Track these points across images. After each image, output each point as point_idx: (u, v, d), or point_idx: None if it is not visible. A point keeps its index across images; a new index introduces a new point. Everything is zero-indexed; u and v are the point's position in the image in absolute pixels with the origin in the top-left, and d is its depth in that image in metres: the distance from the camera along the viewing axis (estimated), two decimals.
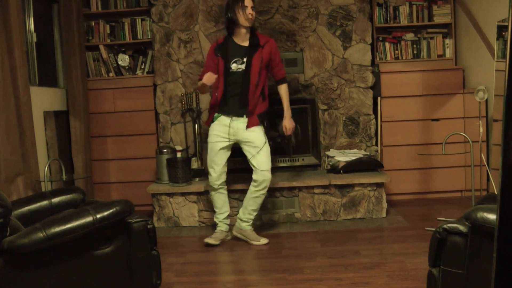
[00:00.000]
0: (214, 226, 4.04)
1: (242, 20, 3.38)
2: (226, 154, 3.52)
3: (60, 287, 2.09)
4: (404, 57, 4.81)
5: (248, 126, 3.41)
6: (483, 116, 4.37)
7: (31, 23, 4.21)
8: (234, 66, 3.42)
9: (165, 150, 4.30)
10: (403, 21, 4.78)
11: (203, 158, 4.45)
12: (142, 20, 4.81)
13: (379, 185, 4.03)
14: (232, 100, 3.44)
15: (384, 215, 4.03)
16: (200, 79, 3.45)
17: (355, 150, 4.41)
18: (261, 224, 3.98)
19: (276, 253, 3.32)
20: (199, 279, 2.88)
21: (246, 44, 3.45)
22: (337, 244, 3.41)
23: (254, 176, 3.44)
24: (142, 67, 4.87)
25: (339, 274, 2.83)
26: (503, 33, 3.78)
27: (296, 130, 4.66)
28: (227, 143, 3.48)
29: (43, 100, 4.17)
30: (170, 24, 4.51)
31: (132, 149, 4.69)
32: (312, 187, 4.03)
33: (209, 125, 3.54)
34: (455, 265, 1.96)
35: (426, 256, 2.12)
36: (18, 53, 3.46)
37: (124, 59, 4.83)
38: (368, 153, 4.34)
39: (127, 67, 4.86)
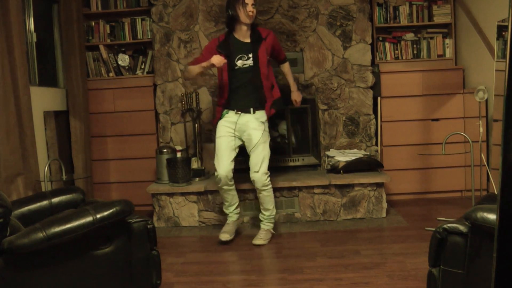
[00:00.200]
0: (214, 226, 4.05)
1: (243, 17, 3.38)
2: (233, 151, 3.49)
3: (60, 287, 2.09)
4: (404, 57, 4.81)
5: (269, 114, 3.54)
6: (483, 116, 4.37)
7: (31, 23, 4.21)
8: (239, 63, 3.44)
9: (165, 150, 4.30)
10: (403, 21, 4.78)
11: (203, 158, 4.45)
12: (142, 20, 4.81)
13: (379, 185, 4.03)
14: (241, 96, 3.45)
15: (384, 215, 4.03)
16: (192, 64, 3.46)
17: (355, 150, 4.41)
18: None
19: (276, 253, 3.32)
20: (199, 279, 2.88)
21: (248, 40, 3.48)
22: (337, 244, 3.41)
23: (251, 175, 3.48)
24: (142, 67, 4.87)
25: (339, 274, 2.83)
26: (503, 33, 3.78)
27: (296, 130, 4.67)
28: (234, 140, 3.49)
29: (43, 100, 4.17)
30: (170, 24, 4.51)
31: (132, 149, 4.69)
32: (312, 187, 4.03)
33: (216, 123, 3.54)
34: (455, 265, 1.96)
35: (426, 256, 2.12)
36: (18, 53, 3.46)
37: (124, 59, 4.83)
38: (368, 153, 4.34)
39: (127, 67, 4.86)
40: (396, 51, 4.81)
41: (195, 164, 4.32)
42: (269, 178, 3.49)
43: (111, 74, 4.84)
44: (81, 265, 2.13)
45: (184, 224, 4.09)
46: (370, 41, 4.47)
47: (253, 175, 3.44)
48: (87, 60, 4.80)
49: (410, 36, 4.80)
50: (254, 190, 3.92)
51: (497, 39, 3.85)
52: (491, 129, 4.36)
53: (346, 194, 4.04)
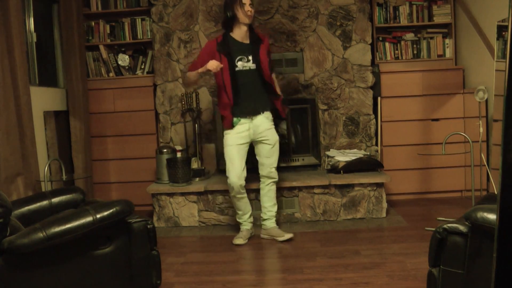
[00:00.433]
0: (214, 226, 4.04)
1: (241, 17, 3.37)
2: (244, 158, 3.50)
3: (60, 287, 2.09)
4: (404, 57, 4.81)
5: (281, 115, 3.61)
6: (483, 116, 4.37)
7: (31, 23, 4.21)
8: (240, 64, 3.41)
9: (165, 150, 4.30)
10: (403, 21, 4.78)
11: (203, 158, 4.46)
12: (142, 20, 4.81)
13: (379, 185, 4.03)
14: (248, 100, 3.43)
15: (384, 215, 4.03)
16: (190, 70, 3.46)
17: (355, 150, 4.41)
18: (261, 224, 3.97)
19: (276, 253, 3.32)
20: (199, 279, 2.88)
21: (246, 41, 3.45)
22: (337, 244, 3.41)
23: (261, 172, 3.55)
24: (142, 67, 4.87)
25: (339, 274, 2.83)
26: (503, 33, 3.78)
27: (296, 130, 4.67)
28: (246, 147, 3.50)
29: (43, 100, 4.17)
30: (170, 24, 4.51)
31: (132, 149, 4.69)
32: (312, 187, 4.03)
33: (228, 128, 3.45)
34: (455, 265, 1.96)
35: (426, 256, 2.12)
36: (18, 53, 3.46)
37: (124, 59, 4.83)
38: (368, 153, 4.34)
39: (127, 67, 4.86)
40: (396, 51, 4.81)
41: (195, 164, 4.32)
42: None
43: (111, 74, 4.84)
44: (81, 265, 2.13)
45: (184, 224, 4.09)
46: (370, 41, 4.47)
47: (271, 171, 3.55)
48: (87, 60, 4.80)
49: (410, 36, 4.80)
50: (254, 190, 3.92)
51: (497, 39, 3.85)
52: (491, 129, 4.36)
53: (346, 194, 4.04)
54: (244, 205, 3.59)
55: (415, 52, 4.82)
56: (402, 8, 4.77)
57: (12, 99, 3.39)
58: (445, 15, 4.76)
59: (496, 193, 2.27)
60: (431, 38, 4.81)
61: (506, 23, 3.63)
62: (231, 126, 3.43)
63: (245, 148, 3.49)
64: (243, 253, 3.37)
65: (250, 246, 3.50)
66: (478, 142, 4.15)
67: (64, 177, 3.76)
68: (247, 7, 3.36)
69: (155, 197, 4.10)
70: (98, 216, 2.09)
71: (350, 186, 4.03)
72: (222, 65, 3.30)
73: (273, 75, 3.70)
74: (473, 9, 4.52)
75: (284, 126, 4.60)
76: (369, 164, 4.19)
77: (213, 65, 3.27)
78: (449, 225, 1.97)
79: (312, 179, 4.06)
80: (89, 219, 2.07)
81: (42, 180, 3.65)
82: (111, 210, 2.14)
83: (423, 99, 4.60)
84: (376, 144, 4.59)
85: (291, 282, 2.76)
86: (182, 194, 4.07)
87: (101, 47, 4.80)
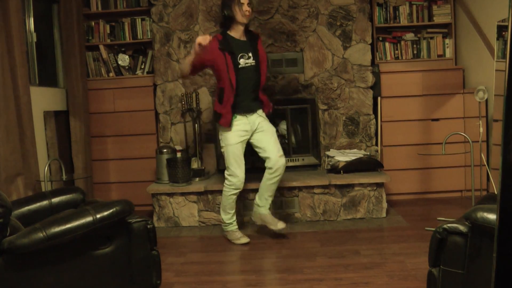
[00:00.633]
0: (214, 226, 4.04)
1: (239, 17, 3.37)
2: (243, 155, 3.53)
3: (60, 287, 2.09)
4: (404, 57, 4.81)
5: (265, 113, 3.58)
6: (483, 116, 4.37)
7: (31, 23, 4.21)
8: (242, 62, 3.41)
9: (165, 150, 4.30)
10: (403, 21, 4.78)
11: (203, 158, 4.46)
12: (142, 20, 4.81)
13: (379, 185, 4.03)
14: (246, 98, 3.45)
15: (384, 215, 4.03)
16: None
17: (355, 150, 4.41)
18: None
19: (276, 253, 3.32)
20: (199, 279, 2.88)
21: (244, 38, 3.48)
22: (337, 244, 3.41)
23: (269, 164, 3.48)
24: (142, 67, 4.87)
25: (339, 274, 2.83)
26: (503, 33, 3.78)
27: (296, 130, 4.67)
28: (245, 142, 3.52)
29: (43, 100, 4.17)
30: (170, 24, 4.51)
31: (132, 149, 4.69)
32: (312, 187, 4.03)
33: (227, 126, 3.43)
34: (455, 265, 1.96)
35: (426, 256, 2.12)
36: (18, 53, 3.46)
37: (124, 59, 4.83)
38: (368, 153, 4.34)
39: (127, 67, 4.86)
40: (396, 51, 4.81)
41: (195, 164, 4.32)
42: None
43: (111, 74, 4.84)
44: (81, 265, 2.13)
45: (184, 224, 4.09)
46: (370, 41, 4.47)
47: (278, 160, 3.45)
48: (87, 60, 4.80)
49: (410, 36, 4.80)
50: (254, 190, 3.91)
51: (497, 39, 3.85)
52: (491, 129, 4.36)
53: (346, 194, 4.04)
54: (234, 204, 3.60)
55: (415, 52, 4.82)
56: (402, 8, 4.77)
57: (12, 99, 3.39)
58: (445, 15, 4.76)
59: (496, 193, 2.27)
60: (431, 38, 4.81)
61: (506, 23, 3.63)
62: (230, 124, 3.42)
63: (244, 145, 3.51)
64: (243, 253, 3.37)
65: (250, 246, 3.50)
66: (478, 142, 4.15)
67: (64, 177, 3.76)
68: (245, 7, 3.35)
69: (155, 197, 4.10)
70: (98, 216, 2.09)
71: (350, 186, 4.03)
72: (210, 36, 3.23)
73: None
74: (473, 9, 4.52)
75: (284, 126, 4.60)
76: (369, 164, 4.19)
77: (200, 38, 3.17)
78: (449, 225, 1.97)
79: (312, 179, 4.06)
80: (89, 219, 2.07)
81: (42, 180, 3.65)
82: (111, 210, 2.14)
83: (423, 99, 4.60)
84: (376, 144, 4.59)
85: (291, 282, 2.76)
86: (182, 194, 4.07)
87: (101, 47, 4.80)
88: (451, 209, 4.19)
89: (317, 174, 4.26)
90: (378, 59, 4.78)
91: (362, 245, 3.36)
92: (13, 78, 3.42)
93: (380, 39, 4.81)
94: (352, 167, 4.15)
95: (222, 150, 3.53)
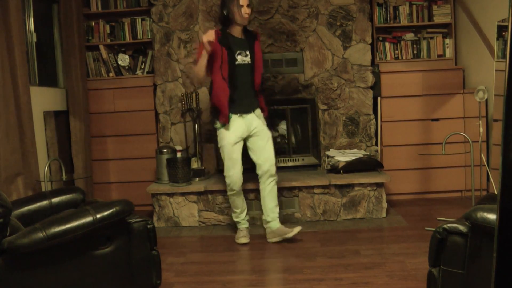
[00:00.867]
0: (214, 226, 4.04)
1: (237, 18, 3.37)
2: (241, 153, 3.51)
3: (60, 287, 2.09)
4: (404, 57, 4.81)
5: (263, 114, 3.58)
6: (483, 116, 4.37)
7: (31, 23, 4.21)
8: (239, 58, 3.41)
9: (165, 150, 4.30)
10: (403, 21, 4.78)
11: (203, 158, 4.45)
12: (142, 20, 4.81)
13: (379, 185, 4.03)
14: (242, 96, 3.44)
15: (384, 215, 4.03)
16: (197, 61, 3.39)
17: (355, 150, 4.41)
18: (261, 224, 3.97)
19: (276, 253, 3.32)
20: (199, 279, 2.88)
21: (242, 37, 3.48)
22: (337, 244, 3.41)
23: (258, 171, 3.50)
24: (142, 67, 4.87)
25: (339, 274, 2.83)
26: (503, 33, 3.78)
27: (296, 130, 4.67)
28: (242, 142, 3.51)
29: (43, 100, 4.17)
30: (170, 24, 4.51)
31: (132, 149, 4.69)
32: (312, 187, 4.03)
33: (225, 122, 3.41)
34: (455, 265, 1.96)
35: (426, 256, 2.12)
36: (18, 53, 3.46)
37: (124, 59, 4.83)
38: (368, 153, 4.34)
39: (127, 67, 4.86)
40: (396, 51, 4.81)
41: (195, 164, 4.32)
42: None
43: (111, 74, 4.84)
44: (81, 265, 2.13)
45: (184, 224, 4.09)
46: (370, 41, 4.47)
47: (270, 167, 3.48)
48: (87, 60, 4.80)
49: (410, 36, 4.80)
50: (254, 190, 3.92)
51: (497, 39, 3.85)
52: (491, 129, 4.36)
53: (346, 194, 4.04)
54: (241, 203, 3.60)
55: (415, 52, 4.82)
56: (402, 8, 4.77)
57: (12, 99, 3.39)
58: (445, 15, 4.76)
59: (496, 193, 2.27)
60: (431, 38, 4.81)
61: (506, 23, 3.63)
62: (228, 120, 3.41)
63: (242, 145, 3.50)
64: (243, 253, 3.37)
65: (250, 246, 3.50)
66: (478, 142, 4.15)
67: (64, 177, 3.76)
68: (244, 9, 3.35)
69: (155, 197, 4.10)
70: (98, 216, 2.09)
71: (350, 186, 4.03)
72: (214, 31, 3.22)
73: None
74: (473, 9, 4.52)
75: (284, 126, 4.60)
76: (369, 164, 4.19)
77: (208, 35, 3.17)
78: (449, 225, 1.97)
79: (312, 179, 4.06)
80: (89, 219, 2.07)
81: (42, 180, 3.65)
82: (111, 210, 2.14)
83: (423, 99, 4.60)
84: (376, 144, 4.59)
85: (291, 282, 2.76)
86: (182, 194, 4.07)
87: (101, 47, 4.80)
88: (451, 209, 4.19)
89: (317, 174, 4.26)
90: (378, 59, 4.78)
91: (362, 245, 3.36)
92: (13, 78, 3.42)
93: (380, 39, 4.81)
94: (352, 167, 4.15)
95: (219, 149, 3.55)
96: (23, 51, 3.55)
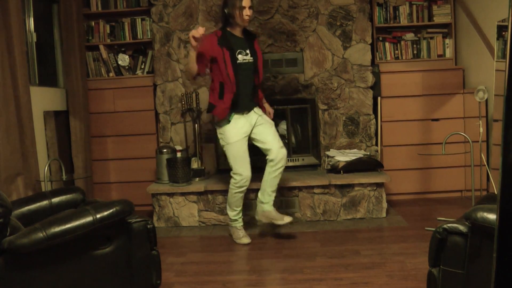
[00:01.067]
0: (214, 226, 4.04)
1: (238, 19, 3.37)
2: (247, 150, 3.50)
3: (60, 287, 2.09)
4: (404, 57, 4.81)
5: (262, 111, 3.60)
6: (483, 116, 4.37)
7: (31, 23, 4.21)
8: (240, 57, 3.42)
9: (165, 150, 4.31)
10: (403, 21, 4.78)
11: (203, 158, 4.45)
12: (142, 20, 4.82)
13: (379, 185, 4.03)
14: (244, 95, 3.45)
15: (384, 215, 4.03)
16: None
17: (355, 150, 4.41)
18: (261, 224, 3.97)
19: (276, 253, 3.32)
20: (199, 279, 2.88)
21: (242, 36, 3.49)
22: (337, 244, 3.41)
23: (271, 156, 3.46)
24: (142, 67, 4.87)
25: (339, 274, 2.83)
26: (503, 33, 3.78)
27: (296, 130, 4.67)
28: (247, 139, 3.50)
29: (43, 100, 4.17)
30: (170, 24, 4.51)
31: (132, 149, 4.69)
32: (312, 187, 4.03)
33: (224, 120, 3.41)
34: (455, 265, 1.96)
35: (426, 256, 2.12)
36: (18, 53, 3.46)
37: (124, 59, 4.83)
38: (368, 153, 4.34)
39: (127, 67, 4.86)
40: (396, 51, 4.81)
41: (195, 164, 4.32)
42: None
43: (111, 74, 4.84)
44: (81, 265, 2.13)
45: (184, 224, 4.09)
46: (370, 41, 4.47)
47: (279, 151, 3.45)
48: (87, 60, 4.80)
49: (410, 36, 4.80)
50: (255, 190, 3.92)
51: (497, 39, 3.85)
52: (491, 129, 4.36)
53: (346, 194, 4.04)
54: (241, 201, 3.59)
55: (415, 52, 4.82)
56: (402, 8, 4.77)
57: (12, 99, 3.39)
58: (445, 15, 4.76)
59: (496, 193, 2.27)
60: (431, 38, 4.81)
61: (506, 23, 3.62)
62: (228, 120, 3.41)
63: (246, 143, 3.50)
64: (243, 253, 3.37)
65: (250, 246, 3.50)
66: (478, 142, 4.15)
67: (64, 177, 3.76)
68: (246, 11, 3.35)
69: (155, 197, 4.10)
70: (98, 216, 2.09)
71: (350, 186, 4.03)
72: (203, 28, 3.22)
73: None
74: (473, 9, 4.52)
75: (284, 126, 4.60)
76: (369, 164, 4.19)
77: (195, 31, 3.16)
78: (449, 225, 1.97)
79: (312, 179, 4.06)
80: (89, 219, 2.07)
81: (42, 180, 3.65)
82: (111, 210, 2.14)
83: (423, 99, 4.60)
84: (376, 144, 4.59)
85: (291, 282, 2.76)
86: (182, 194, 4.07)
87: (101, 47, 4.80)
88: (451, 209, 4.19)
89: (317, 174, 4.26)
90: (378, 59, 4.78)
91: (362, 245, 3.36)
92: (13, 78, 3.42)
93: (380, 39, 4.81)
94: (352, 167, 4.15)
95: (224, 149, 3.53)
96: (23, 51, 3.55)
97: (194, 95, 4.38)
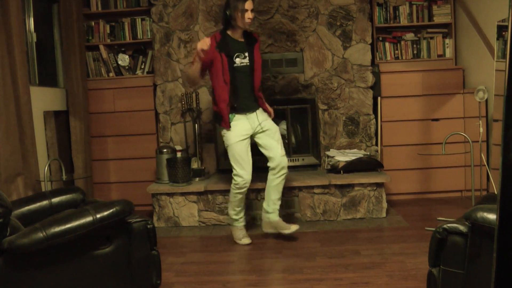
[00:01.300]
0: (214, 226, 4.04)
1: (240, 22, 3.37)
2: (250, 150, 3.50)
3: (60, 287, 2.09)
4: (404, 57, 4.81)
5: (266, 112, 3.58)
6: (483, 116, 4.37)
7: (31, 23, 4.21)
8: (238, 61, 3.42)
9: (165, 150, 4.31)
10: (403, 21, 4.78)
11: (203, 158, 4.45)
12: (142, 20, 4.81)
13: (379, 185, 4.03)
14: (244, 97, 3.45)
15: (384, 215, 4.03)
16: (192, 63, 3.41)
17: (355, 150, 4.41)
18: (261, 224, 3.97)
19: (276, 253, 3.32)
20: (199, 279, 2.88)
21: (242, 39, 3.48)
22: (337, 244, 3.41)
23: (272, 164, 3.47)
24: (142, 67, 4.87)
25: (339, 274, 2.83)
26: (503, 33, 3.78)
27: (296, 130, 4.67)
28: (249, 139, 3.50)
29: (43, 100, 4.17)
30: (170, 24, 4.51)
31: (132, 149, 4.69)
32: (312, 187, 4.03)
33: (226, 126, 3.43)
34: (455, 265, 1.96)
35: (426, 256, 2.12)
36: (18, 53, 3.46)
37: (124, 59, 4.83)
38: (368, 153, 4.34)
39: (127, 67, 4.86)
40: (396, 51, 4.81)
41: (195, 164, 4.32)
42: None
43: (111, 74, 4.84)
44: (81, 265, 2.13)
45: (184, 224, 4.09)
46: (370, 41, 4.47)
47: (280, 160, 3.46)
48: (87, 60, 4.80)
49: (410, 36, 4.80)
50: (254, 190, 3.92)
51: (497, 39, 3.85)
52: (491, 129, 4.36)
53: (346, 194, 4.04)
54: (242, 201, 3.58)
55: (415, 52, 4.82)
56: (402, 8, 4.77)
57: (12, 99, 3.39)
58: (445, 15, 4.76)
59: (496, 193, 2.27)
60: (431, 38, 4.81)
61: (506, 23, 3.63)
62: (229, 124, 3.42)
63: (249, 142, 3.50)
64: (243, 253, 3.37)
65: (250, 246, 3.50)
66: (478, 142, 4.15)
67: (64, 177, 3.76)
68: (248, 14, 3.35)
69: (155, 197, 4.10)
70: (98, 216, 2.09)
71: (350, 186, 4.03)
72: (209, 40, 3.24)
73: None
74: (473, 9, 4.52)
75: (284, 126, 4.60)
76: (369, 164, 4.19)
77: (203, 43, 3.18)
78: (449, 225, 1.97)
79: (312, 179, 4.06)
80: (89, 219, 2.07)
81: (42, 180, 3.65)
82: (111, 210, 2.14)
83: (423, 99, 4.60)
84: (376, 144, 4.59)
85: (291, 282, 2.76)
86: (182, 194, 4.07)
87: (101, 47, 4.80)
88: (451, 209, 4.19)
89: (317, 174, 4.26)
90: (378, 59, 4.78)
91: (362, 245, 3.36)
92: (13, 78, 3.42)
93: (380, 39, 4.81)
94: (352, 167, 4.15)
95: (227, 150, 3.53)
96: (23, 51, 3.55)
97: (194, 95, 4.38)
